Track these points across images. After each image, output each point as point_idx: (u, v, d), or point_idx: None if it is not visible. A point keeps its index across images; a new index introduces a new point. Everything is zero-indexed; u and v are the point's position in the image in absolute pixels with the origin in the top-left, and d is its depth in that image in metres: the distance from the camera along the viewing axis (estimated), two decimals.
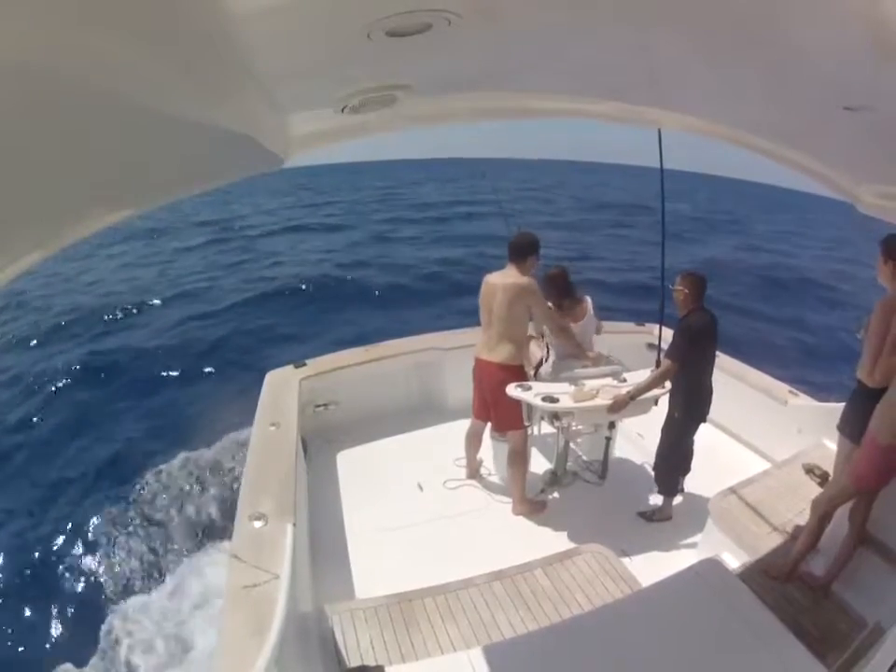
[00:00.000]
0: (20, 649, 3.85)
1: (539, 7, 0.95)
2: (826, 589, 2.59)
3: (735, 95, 1.62)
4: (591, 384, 3.45)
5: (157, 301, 11.56)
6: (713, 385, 3.40)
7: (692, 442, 3.49)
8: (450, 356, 4.65)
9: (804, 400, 4.10)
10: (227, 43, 0.71)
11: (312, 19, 0.83)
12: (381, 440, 4.44)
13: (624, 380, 3.51)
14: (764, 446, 4.23)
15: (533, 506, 3.70)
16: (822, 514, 2.61)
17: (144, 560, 4.45)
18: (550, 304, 3.60)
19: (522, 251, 3.44)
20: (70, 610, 4.15)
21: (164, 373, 8.06)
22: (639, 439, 4.19)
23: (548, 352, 3.84)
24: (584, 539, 3.29)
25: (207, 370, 8.25)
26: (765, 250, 19.86)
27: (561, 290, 3.76)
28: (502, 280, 3.43)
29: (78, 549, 4.69)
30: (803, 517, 2.95)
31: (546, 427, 3.87)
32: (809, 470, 3.44)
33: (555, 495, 3.88)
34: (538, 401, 3.30)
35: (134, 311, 10.99)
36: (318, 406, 4.40)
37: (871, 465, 2.43)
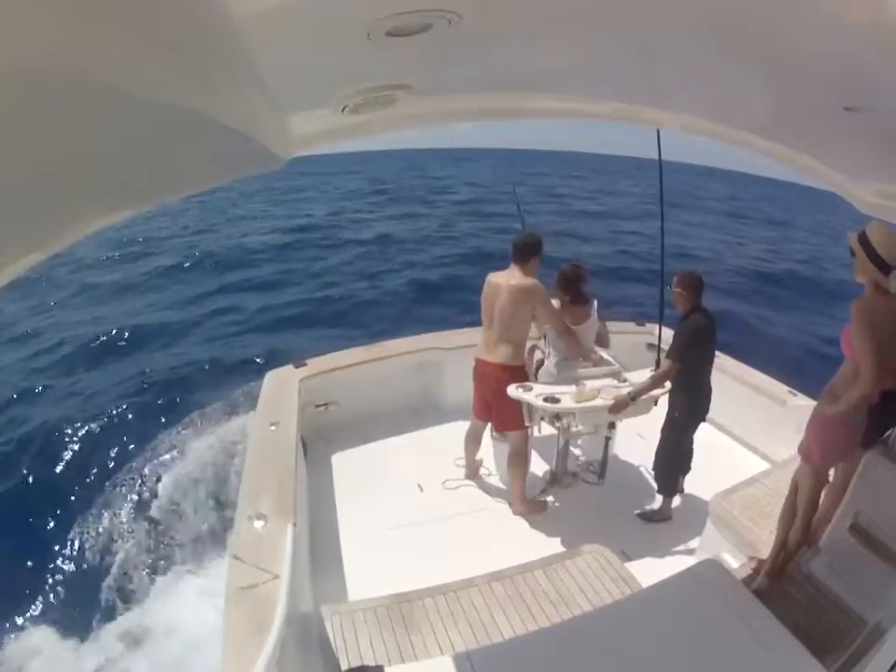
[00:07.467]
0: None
1: (538, 7, 0.95)
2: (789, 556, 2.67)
3: (735, 95, 1.62)
4: (592, 384, 3.44)
5: None
6: (713, 384, 3.41)
7: (691, 442, 3.49)
8: (450, 356, 4.65)
9: (803, 400, 4.09)
10: (227, 43, 0.71)
11: (312, 19, 0.83)
12: (381, 440, 4.43)
13: (625, 380, 3.51)
14: (764, 446, 4.23)
15: (533, 506, 3.70)
16: (807, 506, 2.63)
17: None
18: (557, 301, 3.57)
19: (524, 252, 3.42)
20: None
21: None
22: (639, 439, 4.19)
23: (548, 353, 3.83)
24: (584, 540, 3.29)
25: None
26: None
27: (567, 287, 3.68)
28: (506, 281, 3.40)
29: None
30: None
31: (546, 428, 3.87)
32: None
33: (554, 496, 3.88)
34: (539, 402, 3.29)
35: None
36: (318, 406, 4.39)
37: (816, 439, 2.49)
